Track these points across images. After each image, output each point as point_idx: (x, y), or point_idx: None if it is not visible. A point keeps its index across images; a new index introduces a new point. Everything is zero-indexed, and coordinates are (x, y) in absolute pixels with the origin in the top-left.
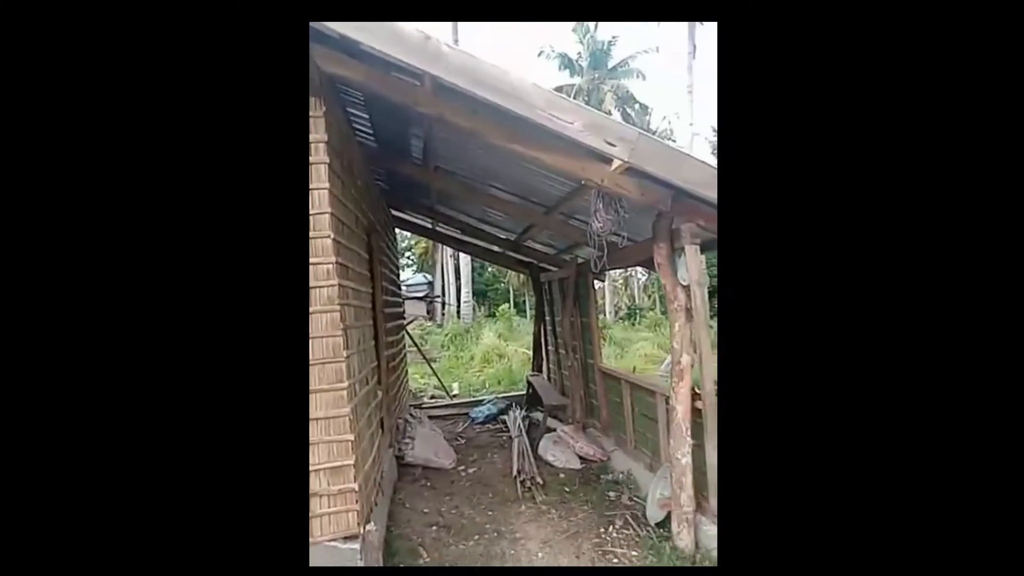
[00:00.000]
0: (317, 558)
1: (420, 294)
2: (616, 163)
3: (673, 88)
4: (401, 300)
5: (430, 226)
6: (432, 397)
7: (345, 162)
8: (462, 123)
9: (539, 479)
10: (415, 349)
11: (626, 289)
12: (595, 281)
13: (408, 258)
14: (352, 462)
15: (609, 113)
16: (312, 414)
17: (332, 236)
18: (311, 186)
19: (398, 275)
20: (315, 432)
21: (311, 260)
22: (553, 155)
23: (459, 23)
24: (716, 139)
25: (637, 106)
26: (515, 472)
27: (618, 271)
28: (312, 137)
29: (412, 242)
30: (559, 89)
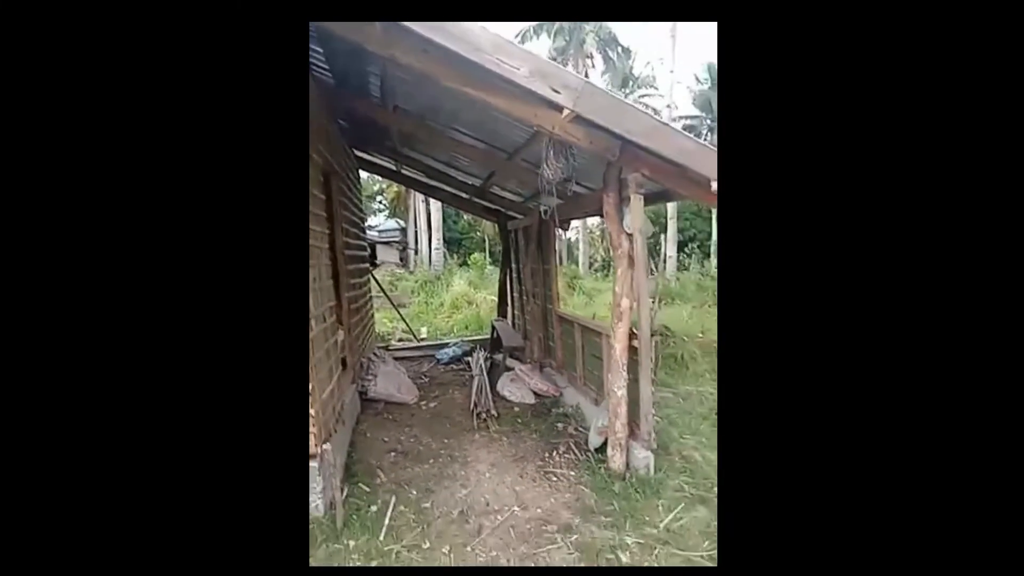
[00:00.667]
0: None
1: (393, 239)
2: (566, 111)
3: (656, 31)
4: (366, 244)
5: (395, 168)
6: (400, 340)
7: None
8: (414, 64)
9: (494, 412)
10: (383, 295)
11: (602, 241)
12: (559, 230)
13: (380, 203)
14: (309, 390)
15: (590, 56)
16: None
17: None
18: None
19: (362, 218)
20: None
21: None
22: (506, 100)
23: None
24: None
25: (620, 49)
26: (472, 405)
27: (595, 222)
28: None
29: (383, 186)
30: (539, 29)
